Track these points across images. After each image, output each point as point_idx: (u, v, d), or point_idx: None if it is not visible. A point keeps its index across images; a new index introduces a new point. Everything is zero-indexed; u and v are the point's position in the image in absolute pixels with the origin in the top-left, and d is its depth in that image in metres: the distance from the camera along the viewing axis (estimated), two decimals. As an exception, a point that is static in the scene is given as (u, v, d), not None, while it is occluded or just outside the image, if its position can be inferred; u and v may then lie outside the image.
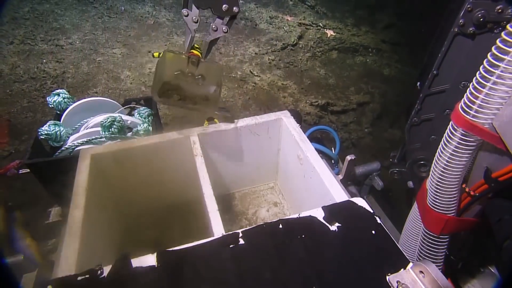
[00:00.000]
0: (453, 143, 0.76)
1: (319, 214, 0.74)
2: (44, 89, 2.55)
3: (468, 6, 0.94)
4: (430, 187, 0.87)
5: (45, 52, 2.94)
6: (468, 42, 1.02)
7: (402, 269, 0.63)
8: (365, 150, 2.47)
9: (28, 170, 1.14)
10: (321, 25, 3.71)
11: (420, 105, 1.20)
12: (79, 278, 0.60)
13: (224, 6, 0.96)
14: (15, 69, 2.69)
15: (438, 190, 0.84)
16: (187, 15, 0.96)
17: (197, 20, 0.97)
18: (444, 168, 0.80)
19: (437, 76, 1.12)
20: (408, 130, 1.27)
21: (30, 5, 3.48)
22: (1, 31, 3.07)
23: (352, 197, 0.82)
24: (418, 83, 1.28)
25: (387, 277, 0.62)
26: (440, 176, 0.82)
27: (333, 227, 0.72)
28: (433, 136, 1.25)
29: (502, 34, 0.64)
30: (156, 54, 1.21)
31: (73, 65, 2.84)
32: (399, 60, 3.33)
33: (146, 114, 1.42)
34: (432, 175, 0.86)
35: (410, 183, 1.40)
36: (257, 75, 2.96)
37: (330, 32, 3.61)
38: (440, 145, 0.81)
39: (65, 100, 1.40)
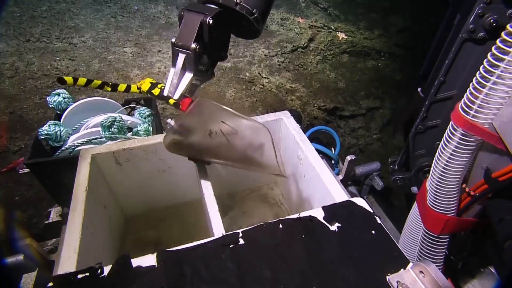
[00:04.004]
0: (453, 143, 0.76)
1: (319, 214, 0.74)
2: (56, 86, 2.58)
3: (479, 11, 0.91)
4: (430, 187, 0.87)
5: (59, 50, 3.00)
6: (477, 48, 0.99)
7: (402, 269, 0.63)
8: (373, 156, 2.45)
9: (28, 170, 1.14)
10: (333, 27, 3.69)
11: (426, 112, 1.17)
12: (79, 275, 0.60)
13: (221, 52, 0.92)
14: (29, 66, 2.75)
15: (438, 190, 0.84)
16: (199, 51, 0.82)
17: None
18: (444, 168, 0.80)
19: (444, 83, 1.10)
20: (413, 137, 1.25)
21: (48, 3, 3.57)
22: (19, 29, 3.15)
23: (352, 197, 0.82)
24: (419, 89, 1.27)
25: (387, 277, 0.62)
26: (440, 176, 0.82)
27: (333, 227, 0.72)
28: (438, 143, 1.23)
29: (502, 34, 0.64)
30: (143, 87, 1.05)
31: (85, 63, 2.89)
32: (413, 65, 3.25)
33: (146, 114, 1.41)
34: (432, 175, 0.86)
35: (414, 189, 1.38)
36: (265, 77, 2.95)
37: (341, 35, 3.58)
38: (440, 145, 0.81)
39: (65, 100, 1.40)
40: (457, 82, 1.08)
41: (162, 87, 0.95)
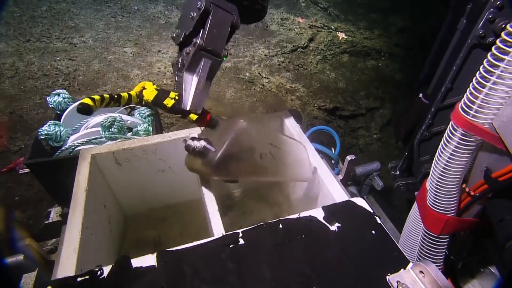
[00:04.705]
0: (453, 143, 0.76)
1: (319, 214, 0.74)
2: (56, 86, 2.60)
3: (490, 16, 0.89)
4: (430, 187, 0.87)
5: (59, 50, 3.00)
6: (487, 53, 0.97)
7: (402, 269, 0.63)
8: (373, 156, 2.43)
9: (28, 170, 1.14)
10: (333, 27, 3.69)
11: (432, 119, 1.16)
12: (79, 279, 0.60)
13: (191, 13, 0.72)
14: (29, 66, 2.75)
15: (438, 190, 0.84)
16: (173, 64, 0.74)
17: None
18: (444, 168, 0.80)
19: (451, 89, 1.08)
20: (418, 144, 1.23)
21: (48, 4, 3.57)
22: (19, 29, 3.14)
23: (352, 197, 0.82)
24: (421, 94, 1.25)
25: (387, 277, 0.62)
26: (440, 176, 0.82)
27: (333, 227, 0.72)
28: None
29: (502, 34, 0.64)
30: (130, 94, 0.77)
31: (85, 63, 2.89)
32: (413, 65, 3.25)
33: (146, 114, 1.42)
34: (432, 175, 0.86)
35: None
36: (265, 77, 2.95)
37: (341, 35, 3.57)
38: (440, 145, 0.81)
39: (65, 100, 1.40)
40: (465, 88, 1.05)
41: (176, 97, 0.75)
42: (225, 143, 0.78)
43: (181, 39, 0.74)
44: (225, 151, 0.78)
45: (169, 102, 0.74)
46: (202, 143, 0.77)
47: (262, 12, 0.81)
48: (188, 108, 0.73)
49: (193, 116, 0.76)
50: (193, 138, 0.79)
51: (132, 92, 0.75)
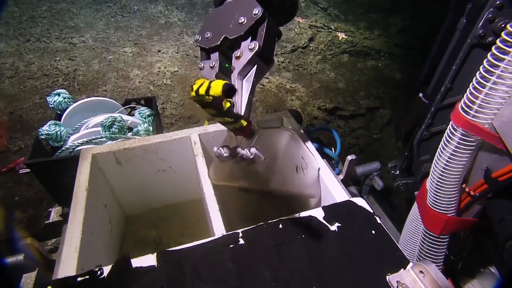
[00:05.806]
0: (453, 143, 0.76)
1: (319, 214, 0.74)
2: (56, 86, 2.61)
3: (490, 16, 0.88)
4: (430, 187, 0.87)
5: (59, 49, 3.01)
6: (486, 53, 0.97)
7: (402, 269, 0.63)
8: (373, 156, 2.44)
9: (28, 170, 1.14)
10: (332, 27, 3.70)
11: (432, 119, 1.15)
12: (79, 279, 0.60)
13: (240, 19, 0.68)
14: (29, 66, 2.76)
15: (438, 190, 0.84)
16: (203, 67, 0.73)
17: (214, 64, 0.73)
18: (444, 168, 0.80)
19: (451, 89, 1.07)
20: (418, 144, 1.23)
21: (48, 3, 3.59)
22: (19, 29, 3.15)
23: (352, 197, 0.82)
24: (421, 94, 1.25)
25: (387, 277, 0.62)
26: (440, 176, 0.82)
27: (333, 227, 0.72)
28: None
29: (502, 34, 0.64)
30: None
31: (85, 63, 2.90)
32: (412, 65, 3.26)
33: (146, 114, 1.42)
34: (432, 175, 0.86)
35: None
36: (265, 77, 2.95)
37: (341, 35, 3.58)
38: (440, 145, 0.81)
39: (66, 100, 1.40)
40: (464, 88, 1.05)
41: (231, 100, 0.69)
42: (274, 153, 0.79)
43: (218, 42, 0.72)
44: (274, 161, 0.79)
45: (226, 105, 0.68)
46: (253, 150, 0.72)
47: (293, 8, 0.79)
48: (242, 114, 0.70)
49: (244, 122, 0.72)
50: (226, 147, 0.76)
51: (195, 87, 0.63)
